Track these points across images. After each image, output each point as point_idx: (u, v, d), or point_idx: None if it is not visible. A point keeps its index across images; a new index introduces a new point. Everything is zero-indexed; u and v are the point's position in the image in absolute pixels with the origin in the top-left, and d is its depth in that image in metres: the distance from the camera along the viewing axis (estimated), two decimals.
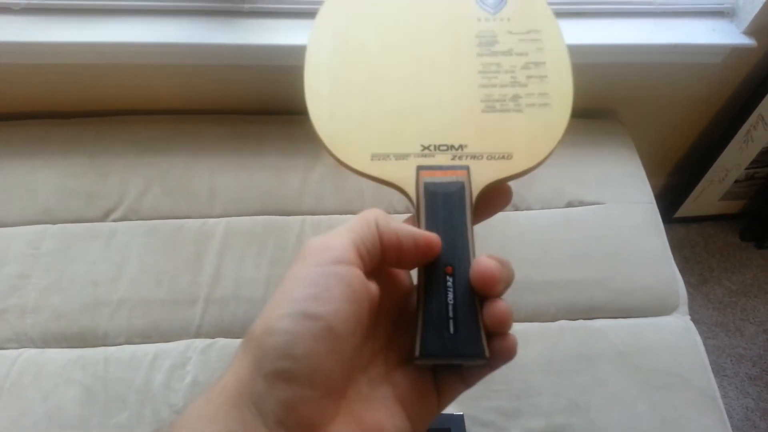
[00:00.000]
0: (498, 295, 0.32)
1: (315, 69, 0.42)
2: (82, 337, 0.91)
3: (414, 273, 0.35)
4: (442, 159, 0.37)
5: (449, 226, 0.34)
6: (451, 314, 0.31)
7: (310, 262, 0.30)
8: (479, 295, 0.32)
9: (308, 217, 1.05)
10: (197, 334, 0.92)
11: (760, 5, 1.10)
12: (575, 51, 1.21)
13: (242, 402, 0.27)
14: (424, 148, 0.38)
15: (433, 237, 0.32)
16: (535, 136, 0.40)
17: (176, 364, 0.88)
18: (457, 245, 0.33)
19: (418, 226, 0.34)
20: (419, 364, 0.32)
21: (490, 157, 0.38)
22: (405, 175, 0.37)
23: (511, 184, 0.39)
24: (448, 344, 0.31)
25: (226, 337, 0.92)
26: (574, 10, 1.13)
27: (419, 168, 0.37)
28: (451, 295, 0.32)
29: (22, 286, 0.93)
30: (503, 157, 0.38)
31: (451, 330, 0.31)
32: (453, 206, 0.34)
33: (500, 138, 0.39)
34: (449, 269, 0.32)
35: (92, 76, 1.12)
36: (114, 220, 1.02)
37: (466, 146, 0.38)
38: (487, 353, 0.31)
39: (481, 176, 0.36)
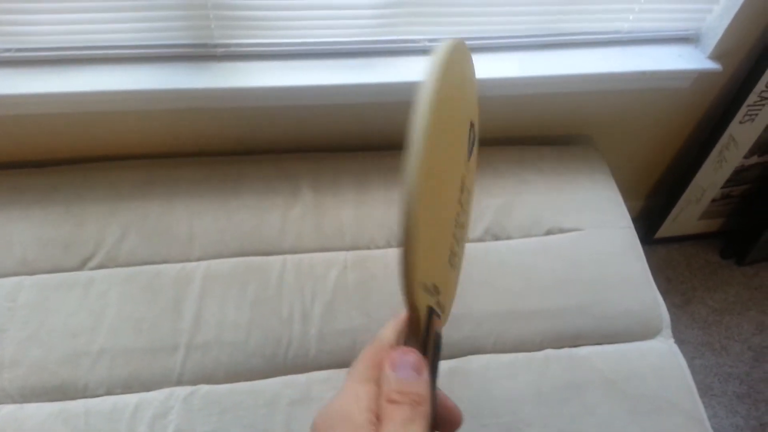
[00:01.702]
0: None
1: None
2: (61, 390, 0.89)
3: None
4: (433, 301, 0.37)
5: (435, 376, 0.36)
6: None
7: None
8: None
9: (289, 257, 1.04)
10: (179, 382, 0.90)
11: (723, 30, 1.13)
12: (547, 81, 1.23)
13: None
14: (425, 284, 0.36)
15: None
16: (452, 296, 0.41)
17: (158, 413, 0.86)
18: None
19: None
20: None
21: (442, 309, 0.39)
22: (422, 307, 0.36)
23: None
24: None
25: (208, 383, 0.90)
26: (545, 42, 1.16)
27: (431, 311, 0.37)
28: None
29: None
30: (443, 312, 0.39)
31: None
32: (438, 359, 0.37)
33: (449, 292, 0.39)
34: None
35: (66, 124, 1.12)
36: (91, 269, 1.00)
37: (440, 293, 0.38)
38: None
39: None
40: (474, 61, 0.45)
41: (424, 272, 0.35)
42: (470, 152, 0.45)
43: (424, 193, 0.34)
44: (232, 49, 1.06)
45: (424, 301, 0.36)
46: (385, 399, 0.33)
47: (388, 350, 0.35)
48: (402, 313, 0.38)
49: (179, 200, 1.09)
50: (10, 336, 0.92)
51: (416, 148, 0.34)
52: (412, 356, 0.34)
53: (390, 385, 0.33)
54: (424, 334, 0.36)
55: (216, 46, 1.05)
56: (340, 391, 0.35)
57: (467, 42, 1.20)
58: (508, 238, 1.10)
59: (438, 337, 0.36)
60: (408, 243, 0.33)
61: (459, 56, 0.41)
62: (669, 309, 1.06)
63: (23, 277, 0.98)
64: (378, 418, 0.32)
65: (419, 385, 0.33)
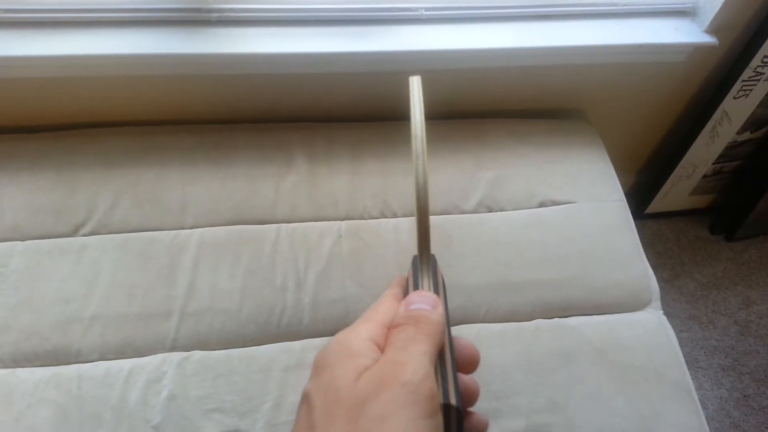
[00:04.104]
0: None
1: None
2: (54, 356, 0.89)
3: None
4: None
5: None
6: None
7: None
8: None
9: (283, 226, 1.04)
10: (173, 348, 0.91)
11: (720, 4, 1.12)
12: (542, 53, 1.23)
13: None
14: None
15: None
16: None
17: (152, 378, 0.87)
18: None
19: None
20: None
21: None
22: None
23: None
24: None
25: (202, 349, 0.91)
26: (540, 12, 1.15)
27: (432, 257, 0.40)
28: None
29: None
30: None
31: None
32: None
33: None
34: None
35: (58, 89, 1.10)
36: (84, 235, 1.00)
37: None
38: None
39: None
40: None
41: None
42: None
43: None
44: (227, 14, 1.05)
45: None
46: (390, 328, 0.33)
47: (395, 301, 0.36)
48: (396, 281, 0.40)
49: (172, 167, 1.08)
50: (2, 301, 0.92)
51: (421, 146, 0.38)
52: (428, 295, 0.35)
53: (398, 315, 0.33)
54: (434, 276, 0.38)
55: (210, 10, 1.04)
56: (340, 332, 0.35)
57: (462, 12, 1.18)
58: (501, 210, 1.10)
59: (442, 277, 0.38)
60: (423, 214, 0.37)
61: None
62: (657, 283, 1.07)
63: (15, 243, 0.98)
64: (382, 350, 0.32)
65: (428, 312, 0.33)
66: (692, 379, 0.96)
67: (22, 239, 0.98)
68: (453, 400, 0.31)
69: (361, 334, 0.33)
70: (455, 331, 0.95)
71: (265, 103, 1.21)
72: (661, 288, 1.07)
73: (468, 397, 0.35)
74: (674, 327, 1.02)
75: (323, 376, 0.31)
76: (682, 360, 0.97)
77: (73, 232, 1.00)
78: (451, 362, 0.33)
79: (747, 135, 1.44)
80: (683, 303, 1.54)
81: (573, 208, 1.11)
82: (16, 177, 1.04)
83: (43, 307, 0.92)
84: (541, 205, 1.11)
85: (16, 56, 0.99)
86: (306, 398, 0.32)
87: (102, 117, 1.17)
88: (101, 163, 1.07)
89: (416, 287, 0.37)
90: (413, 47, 1.08)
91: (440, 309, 0.34)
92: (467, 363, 0.36)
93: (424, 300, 0.34)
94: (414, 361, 0.30)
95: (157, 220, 1.02)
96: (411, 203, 1.08)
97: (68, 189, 1.04)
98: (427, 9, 1.11)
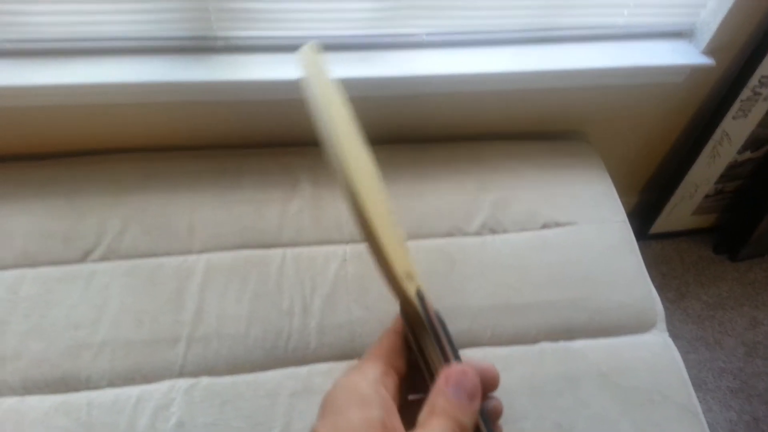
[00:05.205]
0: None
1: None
2: (63, 382, 0.89)
3: None
4: (414, 286, 0.37)
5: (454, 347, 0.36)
6: None
7: None
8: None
9: (288, 250, 1.05)
10: (180, 374, 0.91)
11: (717, 26, 1.14)
12: (542, 76, 1.24)
13: None
14: (405, 273, 0.37)
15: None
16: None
17: (160, 405, 0.87)
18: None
19: (423, 346, 0.37)
20: None
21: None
22: (412, 295, 0.37)
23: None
24: None
25: (209, 375, 0.91)
26: (539, 36, 1.17)
27: (419, 294, 0.37)
28: None
29: (1, 333, 0.92)
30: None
31: None
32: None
33: (416, 273, 0.39)
34: None
35: (67, 116, 1.12)
36: (93, 261, 1.01)
37: (413, 277, 0.38)
38: None
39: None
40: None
41: (398, 263, 0.36)
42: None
43: (365, 193, 0.35)
44: (232, 41, 1.07)
45: (411, 288, 0.37)
46: (429, 407, 0.33)
47: (397, 335, 0.37)
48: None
49: (179, 193, 1.10)
50: (12, 328, 0.93)
51: (338, 150, 0.36)
52: (469, 380, 0.34)
53: (439, 398, 0.33)
54: (425, 317, 0.37)
55: (216, 38, 1.06)
56: (347, 370, 0.36)
57: (462, 36, 1.20)
58: (504, 232, 1.11)
59: (438, 314, 0.37)
60: (375, 242, 0.35)
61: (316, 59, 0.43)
62: (663, 304, 1.07)
63: (25, 270, 0.99)
64: (390, 399, 0.33)
65: (467, 414, 0.33)
66: (701, 401, 0.96)
67: (33, 266, 0.99)
68: None
69: (368, 375, 0.34)
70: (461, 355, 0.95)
71: (269, 128, 1.23)
72: (667, 309, 1.08)
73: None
74: (681, 348, 1.02)
75: (333, 420, 0.33)
76: (689, 382, 0.97)
77: (83, 259, 1.01)
78: None
79: (747, 155, 1.46)
80: (689, 324, 1.54)
81: (576, 229, 1.12)
82: (27, 204, 1.06)
83: (53, 334, 0.92)
84: (544, 226, 1.12)
85: (27, 85, 1.01)
86: None
87: (110, 143, 1.18)
88: (110, 189, 1.09)
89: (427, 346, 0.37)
90: (415, 72, 1.10)
91: (476, 404, 0.34)
92: (489, 386, 0.36)
93: (463, 387, 0.34)
94: None
95: (165, 246, 1.03)
96: (414, 226, 1.09)
97: (77, 215, 1.05)
98: (428, 34, 1.13)
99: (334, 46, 1.11)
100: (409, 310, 0.37)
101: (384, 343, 0.37)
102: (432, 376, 0.36)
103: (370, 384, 0.34)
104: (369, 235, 0.35)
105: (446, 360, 0.35)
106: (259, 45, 1.09)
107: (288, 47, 1.10)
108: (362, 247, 1.06)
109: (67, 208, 1.06)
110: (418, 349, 0.37)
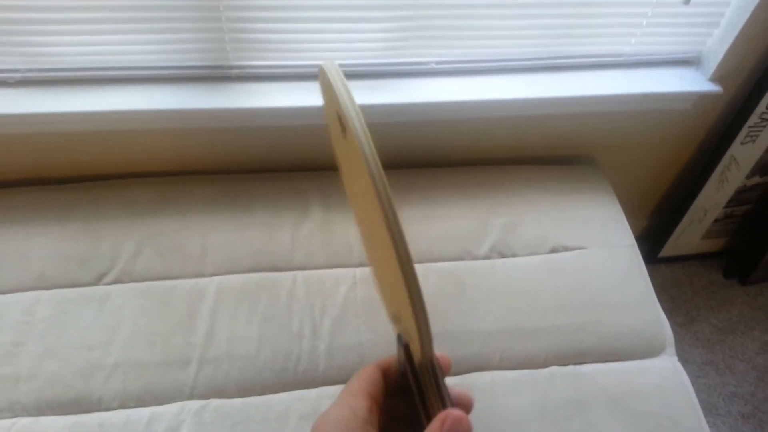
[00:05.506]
0: None
1: None
2: (76, 404, 0.91)
3: None
4: (398, 329, 0.38)
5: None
6: None
7: None
8: None
9: (299, 273, 1.06)
10: (191, 396, 0.92)
11: (723, 53, 1.16)
12: (551, 103, 1.25)
13: None
14: (392, 315, 0.38)
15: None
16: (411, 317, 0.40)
17: (171, 427, 0.88)
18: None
19: (423, 390, 0.37)
20: None
21: (408, 333, 0.38)
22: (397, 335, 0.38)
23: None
24: None
25: (219, 397, 0.92)
26: (548, 64, 1.19)
27: (399, 338, 0.38)
28: None
29: (17, 354, 0.93)
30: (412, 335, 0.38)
31: None
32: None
33: (407, 315, 0.38)
34: None
35: (86, 143, 1.15)
36: (107, 284, 1.03)
37: (401, 320, 0.38)
38: None
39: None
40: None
41: (390, 304, 0.37)
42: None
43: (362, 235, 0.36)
44: (247, 70, 1.10)
45: (396, 330, 0.38)
46: None
47: (379, 370, 0.38)
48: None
49: (193, 217, 1.12)
50: (28, 350, 0.94)
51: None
52: (464, 427, 0.34)
53: None
54: (404, 363, 0.37)
55: (231, 67, 1.09)
56: (335, 402, 0.37)
57: (472, 64, 1.22)
58: (514, 255, 1.12)
59: (431, 361, 0.36)
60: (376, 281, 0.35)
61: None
62: (672, 328, 1.07)
63: (41, 292, 1.00)
64: None
65: None
66: (712, 426, 0.96)
67: (48, 288, 1.01)
68: None
69: (358, 413, 0.35)
70: (470, 379, 0.96)
71: (282, 154, 1.25)
72: (676, 333, 1.07)
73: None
74: (690, 373, 1.01)
75: None
76: (698, 407, 0.96)
77: (97, 281, 1.03)
78: None
79: (756, 179, 1.46)
80: (699, 348, 1.53)
81: (585, 253, 1.13)
82: (44, 227, 1.08)
83: (67, 355, 0.94)
84: (553, 250, 1.13)
85: (45, 113, 1.03)
86: None
87: (127, 168, 1.21)
88: (125, 213, 1.11)
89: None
90: (426, 99, 1.12)
91: None
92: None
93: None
94: None
95: (177, 268, 1.05)
96: (424, 250, 1.11)
97: (93, 239, 1.07)
98: (438, 62, 1.15)
99: (346, 75, 1.13)
100: (413, 346, 0.38)
101: (369, 379, 0.38)
102: (427, 412, 0.36)
103: (360, 425, 0.35)
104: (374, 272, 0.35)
105: (443, 403, 0.36)
106: (273, 74, 1.12)
107: (301, 76, 1.13)
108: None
109: (83, 232, 1.08)
110: (416, 385, 0.38)
